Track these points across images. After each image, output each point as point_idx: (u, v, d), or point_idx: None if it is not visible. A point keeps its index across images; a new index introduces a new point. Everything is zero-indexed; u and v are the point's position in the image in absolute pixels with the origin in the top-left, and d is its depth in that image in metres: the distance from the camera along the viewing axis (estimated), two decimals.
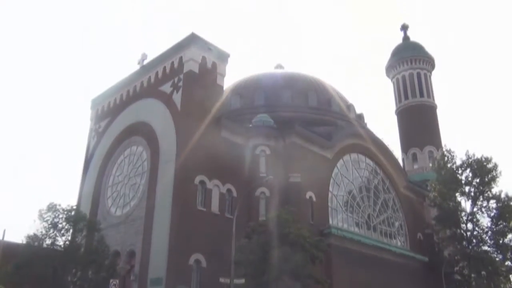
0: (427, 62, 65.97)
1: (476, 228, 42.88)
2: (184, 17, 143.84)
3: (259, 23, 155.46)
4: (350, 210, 41.31)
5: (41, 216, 30.72)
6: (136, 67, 41.73)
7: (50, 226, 30.71)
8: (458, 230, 43.26)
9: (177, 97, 35.66)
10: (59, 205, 31.31)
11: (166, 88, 37.02)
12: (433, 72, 66.87)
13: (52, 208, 30.96)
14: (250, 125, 38.68)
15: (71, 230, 31.69)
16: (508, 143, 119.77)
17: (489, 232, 42.73)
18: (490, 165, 42.65)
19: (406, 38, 69.34)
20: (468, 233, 42.80)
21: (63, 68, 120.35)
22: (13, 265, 28.57)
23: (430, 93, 64.11)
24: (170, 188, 32.18)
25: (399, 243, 45.70)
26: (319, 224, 36.70)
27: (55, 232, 30.74)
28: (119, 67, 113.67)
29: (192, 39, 36.96)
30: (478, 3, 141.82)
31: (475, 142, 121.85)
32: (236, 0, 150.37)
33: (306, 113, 46.66)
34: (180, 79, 36.09)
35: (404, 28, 70.04)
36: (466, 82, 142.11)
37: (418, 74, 64.71)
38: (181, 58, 36.83)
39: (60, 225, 30.88)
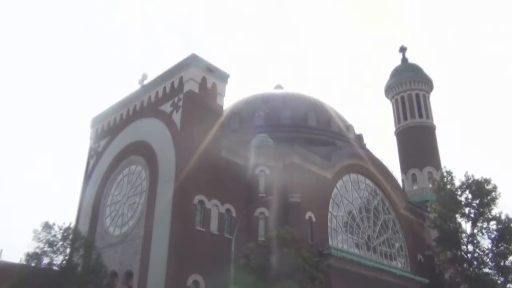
0: (426, 83, 66.37)
1: (477, 250, 42.51)
2: (184, 36, 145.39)
3: (259, 42, 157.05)
4: (350, 230, 41.07)
5: (36, 237, 30.50)
6: (137, 86, 42.04)
7: (46, 245, 30.46)
8: (459, 252, 42.89)
9: (176, 117, 35.78)
10: (54, 224, 31.18)
11: (166, 107, 37.18)
12: (432, 93, 67.26)
13: (46, 226, 30.77)
14: (250, 145, 38.71)
15: (68, 249, 31.45)
16: (508, 162, 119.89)
17: (490, 254, 42.38)
18: (489, 186, 42.52)
19: (404, 59, 69.91)
20: (469, 255, 42.41)
21: (64, 87, 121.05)
22: (9, 285, 28.24)
23: (429, 114, 64.32)
24: (169, 208, 32.02)
25: (399, 265, 45.30)
26: (318, 245, 36.44)
27: (53, 249, 30.47)
28: (119, 86, 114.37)
29: (193, 59, 37.28)
30: (476, 24, 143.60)
31: (475, 162, 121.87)
32: (238, 20, 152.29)
33: (305, 133, 46.79)
34: (180, 99, 36.27)
35: (403, 50, 70.65)
36: (465, 102, 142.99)
37: (417, 95, 65.00)
38: (181, 78, 37.08)
39: (56, 244, 30.64)
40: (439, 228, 43.74)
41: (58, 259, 30.96)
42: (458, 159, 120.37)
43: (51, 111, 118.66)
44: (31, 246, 30.66)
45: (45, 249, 30.47)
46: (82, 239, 32.05)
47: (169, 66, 38.91)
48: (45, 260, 30.53)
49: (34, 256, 29.95)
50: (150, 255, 31.91)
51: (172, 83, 37.74)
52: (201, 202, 32.89)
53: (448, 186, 43.96)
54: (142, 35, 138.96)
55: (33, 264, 30.00)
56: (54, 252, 30.67)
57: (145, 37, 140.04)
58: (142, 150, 37.65)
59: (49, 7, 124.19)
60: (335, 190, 41.19)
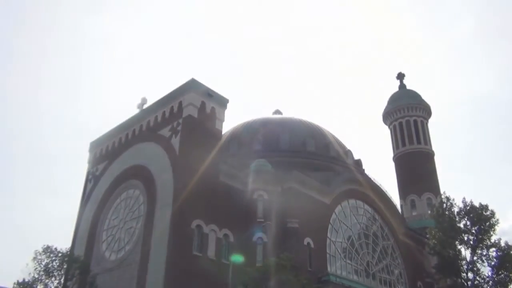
0: (424, 109, 66.76)
1: (477, 278, 41.99)
2: (184, 62, 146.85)
3: (258, 67, 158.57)
4: (349, 257, 40.70)
5: (35, 258, 30.30)
6: (136, 110, 42.25)
7: (42, 270, 30.21)
8: (459, 280, 42.36)
9: (175, 142, 35.84)
10: (54, 247, 31.10)
11: (165, 132, 37.29)
12: (430, 119, 67.55)
13: (47, 250, 30.60)
14: (248, 170, 38.63)
15: (63, 276, 31.15)
16: (508, 188, 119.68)
17: (490, 281, 41.86)
18: (487, 213, 42.30)
19: (402, 86, 70.46)
20: (469, 283, 41.89)
21: (63, 111, 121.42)
22: None
23: (427, 140, 64.49)
24: (166, 233, 31.72)
25: None
26: (317, 271, 36.05)
27: (48, 274, 30.19)
28: (118, 110, 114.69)
29: (192, 85, 37.59)
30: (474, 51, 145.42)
31: (474, 188, 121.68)
32: (236, 45, 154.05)
33: (304, 158, 46.82)
34: (179, 124, 36.41)
35: (400, 77, 71.32)
36: (464, 128, 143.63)
37: (415, 122, 65.29)
38: (180, 102, 37.31)
39: (52, 268, 30.40)
40: (438, 255, 43.29)
41: (53, 284, 30.63)
42: (458, 185, 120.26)
43: (49, 133, 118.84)
44: (26, 271, 30.41)
45: (40, 273, 30.18)
46: (77, 263, 31.77)
47: (169, 90, 39.28)
48: (39, 287, 30.17)
49: (24, 285, 29.59)
50: (147, 281, 31.47)
51: (172, 108, 37.95)
52: (198, 227, 32.65)
53: (447, 213, 43.72)
54: (141, 60, 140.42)
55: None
56: (49, 277, 30.37)
57: (144, 62, 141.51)
58: (140, 175, 37.57)
59: (50, 31, 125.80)
60: (333, 216, 40.98)
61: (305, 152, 48.21)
